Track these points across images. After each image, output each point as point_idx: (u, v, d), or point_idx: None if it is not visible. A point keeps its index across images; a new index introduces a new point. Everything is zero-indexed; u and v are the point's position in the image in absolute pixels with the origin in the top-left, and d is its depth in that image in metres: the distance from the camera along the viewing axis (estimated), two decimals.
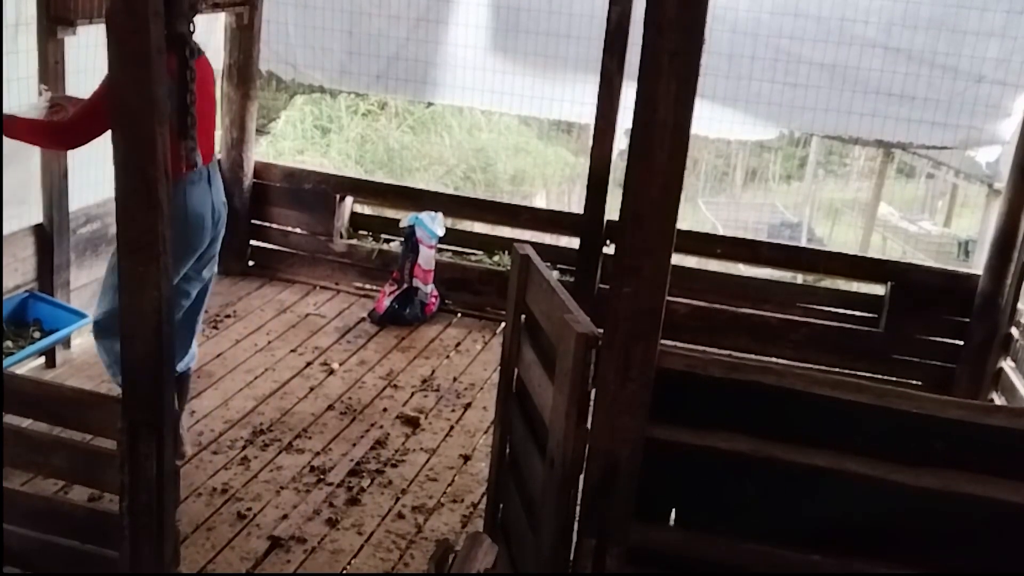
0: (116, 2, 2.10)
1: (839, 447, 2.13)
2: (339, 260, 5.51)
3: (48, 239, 4.21)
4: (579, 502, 2.29)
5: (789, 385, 2.15)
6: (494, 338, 5.10)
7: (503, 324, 3.07)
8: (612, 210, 4.92)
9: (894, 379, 4.93)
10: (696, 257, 5.30)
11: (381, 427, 4.09)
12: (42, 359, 4.23)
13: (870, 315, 5.04)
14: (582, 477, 2.27)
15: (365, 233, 5.68)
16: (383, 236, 5.63)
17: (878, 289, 5.10)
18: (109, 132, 2.23)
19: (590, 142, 4.98)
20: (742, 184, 16.78)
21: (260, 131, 7.62)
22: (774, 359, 5.00)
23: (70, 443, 2.65)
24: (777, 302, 5.12)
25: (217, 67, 5.38)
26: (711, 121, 5.07)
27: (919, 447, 2.10)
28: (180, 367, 3.55)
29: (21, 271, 4.14)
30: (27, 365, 4.11)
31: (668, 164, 1.98)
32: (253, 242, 5.64)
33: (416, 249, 5.13)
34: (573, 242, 5.26)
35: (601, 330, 2.16)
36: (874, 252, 11.73)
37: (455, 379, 4.62)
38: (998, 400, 4.71)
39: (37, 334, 4.07)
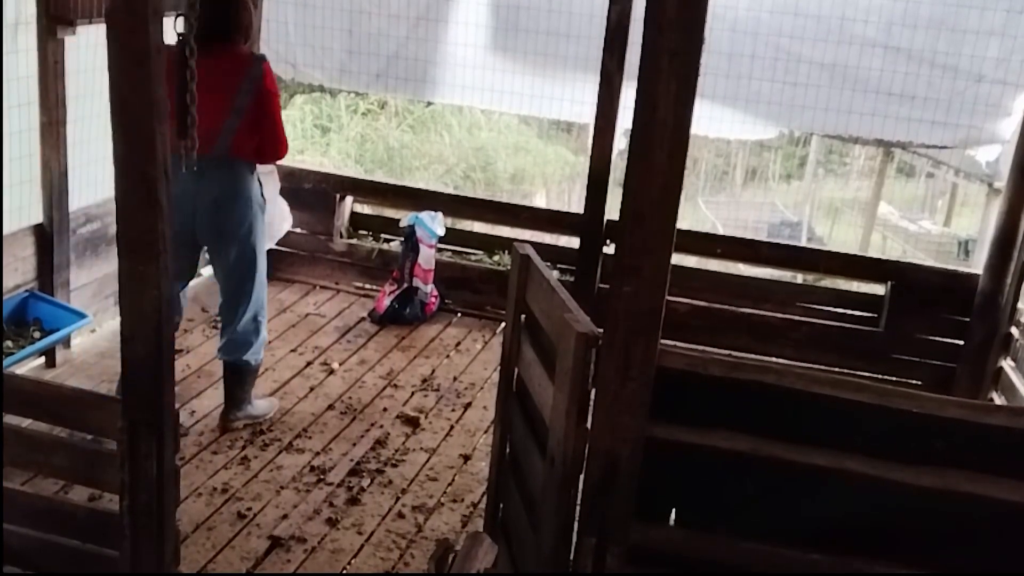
0: (116, 1, 2.10)
1: (839, 446, 2.13)
2: (339, 260, 5.51)
3: (48, 239, 4.21)
4: (579, 501, 2.29)
5: (789, 384, 2.15)
6: (494, 337, 5.10)
7: (503, 323, 3.07)
8: (612, 210, 4.92)
9: (894, 379, 4.93)
10: (696, 256, 5.30)
11: (381, 427, 4.09)
12: (42, 359, 4.23)
13: (870, 314, 5.04)
14: (582, 476, 2.27)
15: (365, 232, 5.67)
16: (383, 236, 5.63)
17: (878, 288, 5.10)
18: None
19: (590, 141, 4.97)
20: (742, 183, 16.79)
21: None
22: (774, 358, 5.00)
23: (70, 443, 2.66)
24: (777, 301, 5.12)
25: None
26: (711, 120, 5.07)
27: (919, 446, 2.10)
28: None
29: (21, 271, 4.14)
30: (27, 365, 4.11)
31: (668, 163, 1.98)
32: None
33: (416, 248, 5.13)
34: (573, 241, 5.26)
35: (601, 329, 2.16)
36: (874, 251, 11.74)
37: (455, 378, 4.62)
38: (998, 399, 4.71)
39: (37, 334, 4.07)
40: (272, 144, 3.65)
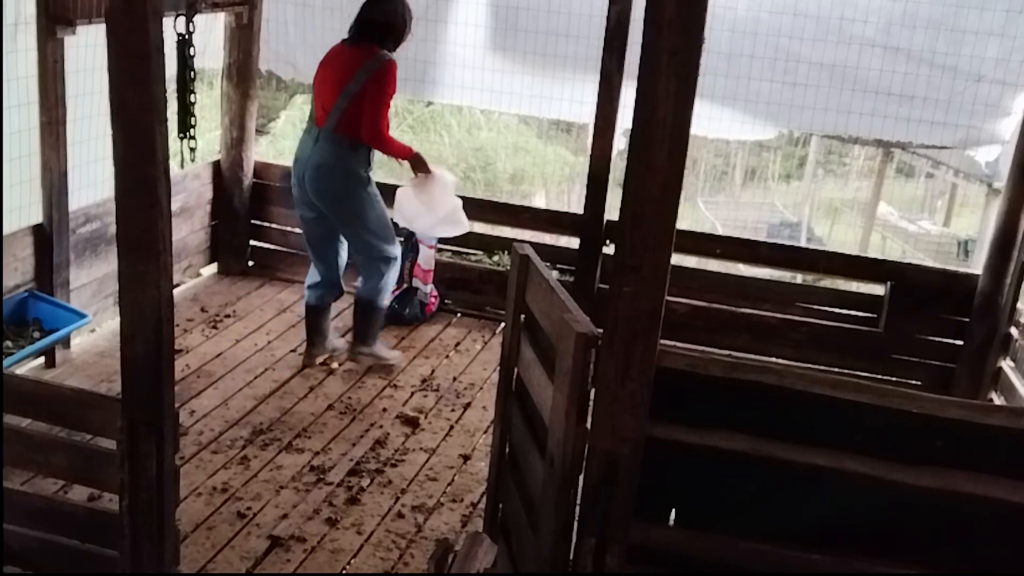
0: (116, 1, 2.10)
1: (839, 446, 2.13)
2: None
3: (48, 239, 4.20)
4: (579, 501, 2.30)
5: (789, 385, 2.15)
6: (494, 338, 5.10)
7: (503, 324, 3.07)
8: (612, 209, 4.92)
9: (894, 379, 4.93)
10: (696, 257, 5.30)
11: (381, 427, 4.09)
12: (42, 359, 4.23)
13: (870, 315, 5.04)
14: (582, 476, 2.27)
15: None
16: None
17: (878, 289, 5.10)
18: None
19: (590, 141, 4.97)
20: (741, 183, 16.76)
21: (260, 131, 7.61)
22: (774, 359, 5.00)
23: (70, 443, 2.66)
24: (777, 302, 5.12)
25: (216, 66, 5.39)
26: (710, 120, 5.07)
27: (919, 446, 2.10)
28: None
29: (21, 270, 4.13)
30: (27, 365, 4.11)
31: (668, 163, 1.98)
32: (253, 242, 5.63)
33: (416, 249, 5.13)
34: (573, 242, 5.26)
35: (601, 330, 2.16)
36: (873, 252, 11.71)
37: (455, 379, 4.62)
38: (997, 400, 4.71)
39: (37, 334, 4.07)
40: (366, 127, 4.10)
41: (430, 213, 4.59)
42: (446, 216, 4.63)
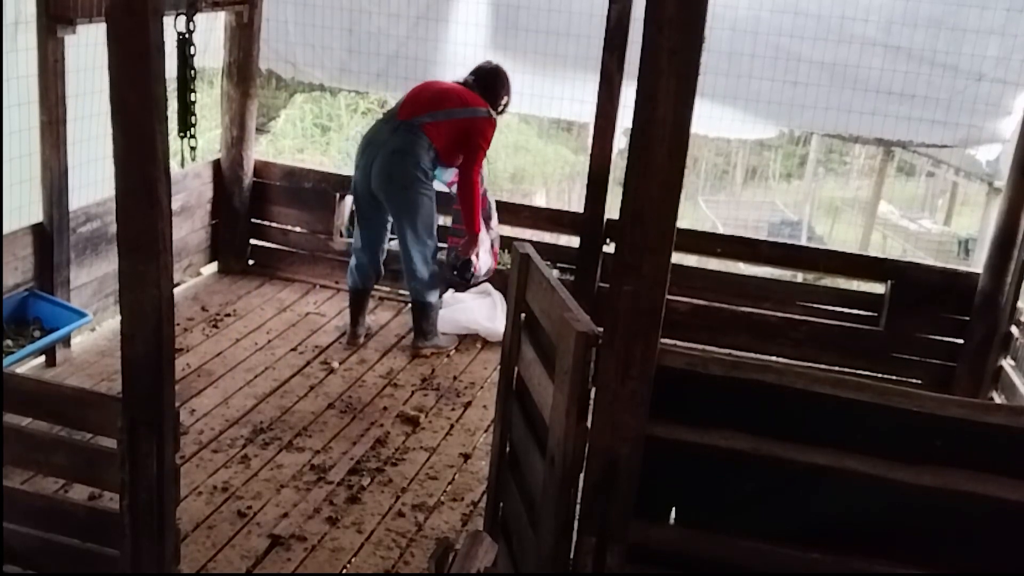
0: (116, 1, 2.10)
1: (839, 445, 2.12)
2: (339, 259, 5.50)
3: (48, 238, 4.20)
4: (579, 500, 2.29)
5: (789, 383, 2.15)
6: None
7: None
8: (612, 208, 4.91)
9: (894, 377, 4.94)
10: (696, 255, 5.30)
11: (381, 426, 4.09)
12: (42, 358, 4.23)
13: (870, 313, 5.04)
14: (582, 475, 2.27)
15: None
16: None
17: (878, 287, 5.10)
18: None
19: (590, 140, 4.97)
20: (742, 182, 16.78)
21: (260, 130, 7.62)
22: (774, 357, 5.00)
23: (71, 442, 2.66)
24: (777, 300, 5.12)
25: (217, 65, 5.39)
26: (711, 119, 5.07)
27: (919, 445, 2.10)
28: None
29: (21, 270, 4.14)
30: (27, 364, 4.11)
31: (668, 162, 1.98)
32: (253, 241, 5.64)
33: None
34: (573, 240, 5.26)
35: (601, 328, 2.16)
36: (874, 250, 11.73)
37: (455, 378, 4.62)
38: (998, 398, 4.71)
39: (37, 333, 4.07)
40: (463, 170, 4.66)
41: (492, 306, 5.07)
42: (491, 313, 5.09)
